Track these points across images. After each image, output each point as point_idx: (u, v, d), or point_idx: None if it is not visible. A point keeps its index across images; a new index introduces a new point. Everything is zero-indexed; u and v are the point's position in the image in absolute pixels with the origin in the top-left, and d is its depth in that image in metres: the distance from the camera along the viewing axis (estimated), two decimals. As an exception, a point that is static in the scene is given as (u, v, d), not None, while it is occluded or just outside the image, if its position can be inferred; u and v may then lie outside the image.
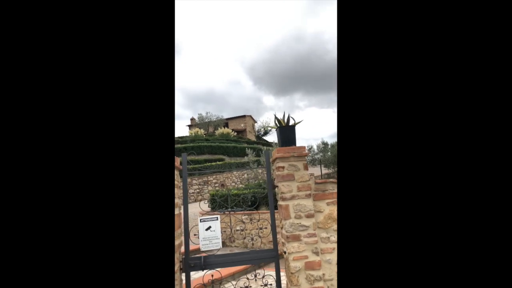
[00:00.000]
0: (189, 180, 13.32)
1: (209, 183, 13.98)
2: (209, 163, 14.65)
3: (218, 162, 15.14)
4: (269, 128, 27.56)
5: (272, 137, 30.79)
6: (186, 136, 25.59)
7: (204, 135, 23.26)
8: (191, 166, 13.94)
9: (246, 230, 2.33)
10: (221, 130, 23.57)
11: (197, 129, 23.60)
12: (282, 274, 2.42)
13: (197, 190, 13.73)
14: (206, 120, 27.46)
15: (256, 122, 35.74)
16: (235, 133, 25.99)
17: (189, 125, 34.38)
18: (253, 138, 28.32)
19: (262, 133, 28.03)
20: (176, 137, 24.07)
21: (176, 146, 18.56)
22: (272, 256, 2.18)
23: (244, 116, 33.44)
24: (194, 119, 35.40)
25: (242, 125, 31.38)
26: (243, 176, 15.52)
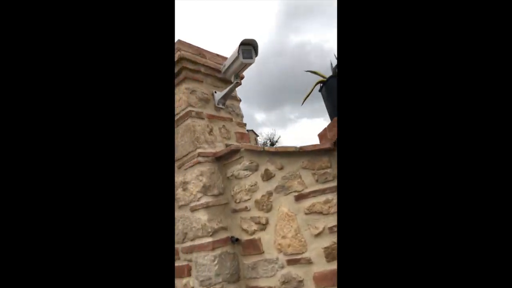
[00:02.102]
0: (209, 201, 12.36)
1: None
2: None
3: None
4: (276, 140, 26.87)
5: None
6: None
7: (211, 154, 22.40)
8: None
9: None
10: (228, 147, 22.76)
11: (203, 148, 22.79)
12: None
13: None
14: (211, 139, 26.68)
15: (258, 135, 35.28)
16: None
17: (191, 147, 33.67)
18: (259, 152, 27.50)
19: (268, 145, 27.25)
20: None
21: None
22: None
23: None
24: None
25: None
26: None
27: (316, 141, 1.36)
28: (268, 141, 26.54)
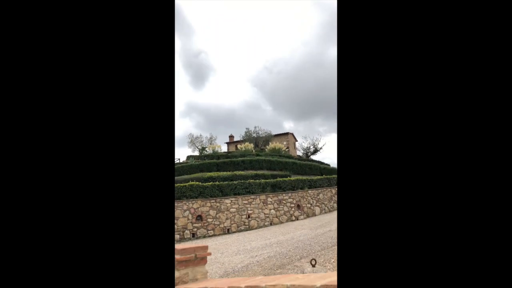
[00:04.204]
0: (263, 198, 11.00)
1: (284, 202, 11.55)
2: (276, 179, 12.28)
3: (284, 179, 12.71)
4: (320, 147, 25.00)
5: (320, 156, 27.98)
6: (234, 152, 23.67)
7: (253, 150, 21.23)
8: (258, 180, 11.65)
9: None
10: (273, 145, 21.46)
11: (246, 143, 21.64)
12: None
13: (282, 210, 11.28)
14: (254, 135, 25.51)
15: (297, 140, 33.73)
16: (287, 149, 23.80)
17: (227, 142, 32.96)
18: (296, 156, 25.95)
19: (312, 151, 25.52)
20: (221, 153, 22.33)
21: (224, 160, 16.58)
22: None
23: (287, 134, 31.59)
24: (233, 136, 34.03)
25: (285, 142, 29.37)
26: (318, 196, 13.00)
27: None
28: (312, 147, 24.84)
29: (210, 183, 10.26)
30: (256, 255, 5.91)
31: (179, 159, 21.89)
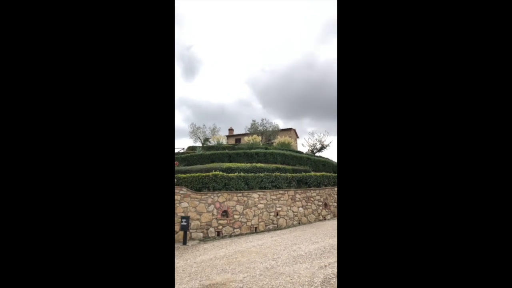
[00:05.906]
0: (291, 193, 9.75)
1: (312, 199, 10.35)
2: (302, 174, 11.04)
3: (310, 174, 11.49)
4: (327, 144, 23.89)
5: (327, 154, 26.92)
6: (240, 144, 22.27)
7: (261, 143, 19.92)
8: (284, 174, 10.39)
9: None
10: (282, 139, 20.22)
11: (254, 136, 20.29)
12: None
13: (310, 208, 10.06)
14: (260, 128, 24.15)
15: (298, 137, 32.67)
16: (295, 142, 22.62)
17: (227, 135, 31.48)
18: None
19: (318, 147, 24.38)
20: (226, 145, 20.93)
21: (237, 151, 15.22)
22: None
23: (290, 129, 30.48)
24: (233, 129, 32.58)
25: (288, 138, 28.28)
26: (343, 195, 11.88)
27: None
28: (318, 143, 23.71)
29: (236, 174, 8.90)
30: (326, 265, 4.66)
31: (183, 148, 20.34)
